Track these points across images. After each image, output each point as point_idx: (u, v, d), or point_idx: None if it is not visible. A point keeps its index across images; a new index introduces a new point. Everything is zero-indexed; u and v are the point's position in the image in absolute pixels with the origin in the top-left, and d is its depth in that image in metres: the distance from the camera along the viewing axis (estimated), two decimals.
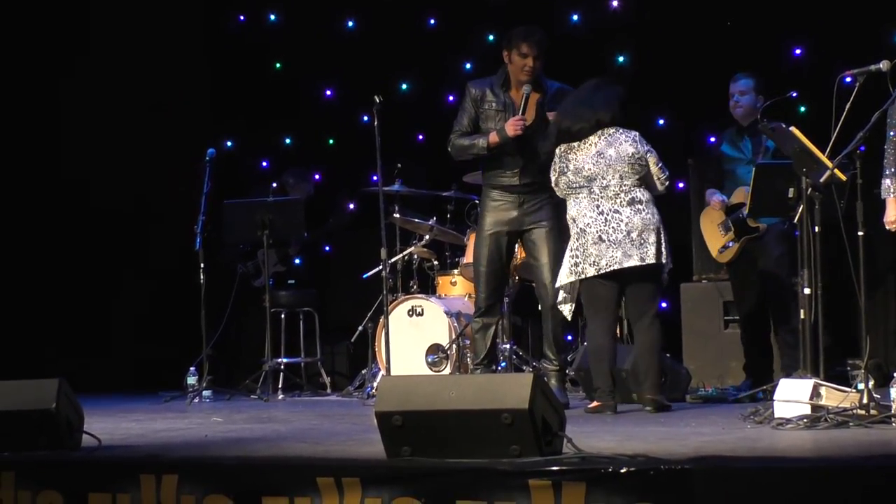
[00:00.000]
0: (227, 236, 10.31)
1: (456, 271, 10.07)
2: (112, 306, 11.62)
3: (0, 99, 11.30)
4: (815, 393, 6.46)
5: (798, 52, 10.26)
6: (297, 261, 11.40)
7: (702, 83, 9.63)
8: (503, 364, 9.40)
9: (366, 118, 10.47)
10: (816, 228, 6.99)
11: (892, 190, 7.12)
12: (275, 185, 11.15)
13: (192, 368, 9.98)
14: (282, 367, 10.53)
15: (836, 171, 6.84)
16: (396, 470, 5.08)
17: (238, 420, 7.94)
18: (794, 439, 5.98)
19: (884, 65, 6.76)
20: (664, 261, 7.64)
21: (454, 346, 9.49)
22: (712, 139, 9.28)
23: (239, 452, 5.88)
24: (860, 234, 6.68)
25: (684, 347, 9.68)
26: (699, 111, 9.85)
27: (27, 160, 11.43)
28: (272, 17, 12.03)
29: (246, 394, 10.07)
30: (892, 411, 6.37)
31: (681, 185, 9.93)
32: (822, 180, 6.88)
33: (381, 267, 8.86)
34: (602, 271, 7.64)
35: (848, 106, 6.66)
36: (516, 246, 8.67)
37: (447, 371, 9.47)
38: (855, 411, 6.33)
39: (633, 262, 7.59)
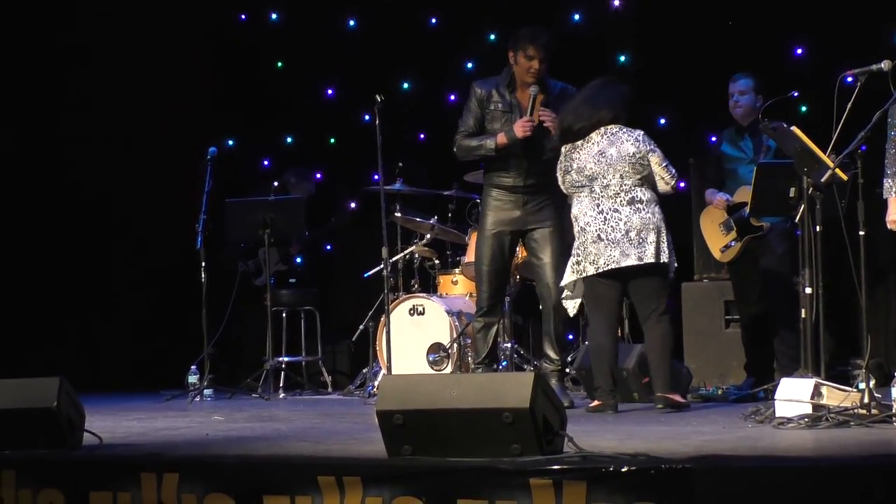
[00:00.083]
0: (228, 235, 10.31)
1: (457, 270, 10.08)
2: (113, 305, 11.63)
3: (2, 97, 11.31)
4: (817, 392, 6.46)
5: (799, 51, 10.26)
6: (298, 259, 11.41)
7: (703, 83, 9.63)
8: (504, 363, 9.41)
9: (367, 117, 10.47)
10: (818, 228, 6.99)
11: (893, 190, 7.11)
12: (276, 183, 11.15)
13: (193, 367, 9.99)
14: (283, 365, 10.54)
15: (837, 170, 6.85)
16: (397, 469, 5.08)
17: (239, 419, 7.94)
18: (795, 439, 5.98)
19: (885, 64, 6.76)
20: (663, 260, 7.61)
21: (455, 345, 9.49)
22: (713, 139, 9.28)
23: (240, 451, 5.88)
24: (861, 233, 6.69)
25: (685, 347, 9.68)
26: (701, 111, 9.85)
27: (28, 160, 11.44)
28: (273, 16, 12.03)
29: (247, 392, 10.08)
30: (893, 411, 6.37)
31: (682, 184, 9.91)
32: (823, 180, 6.88)
33: (382, 266, 8.86)
34: (601, 270, 7.64)
35: (849, 106, 6.66)
36: (518, 245, 8.68)
37: (448, 370, 9.47)
38: (856, 411, 6.33)
39: (631, 261, 7.59)
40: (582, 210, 7.72)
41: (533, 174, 8.24)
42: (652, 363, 7.77)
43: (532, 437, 4.99)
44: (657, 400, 7.68)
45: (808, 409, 6.39)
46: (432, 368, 9.54)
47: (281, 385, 10.37)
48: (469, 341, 9.19)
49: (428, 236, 10.16)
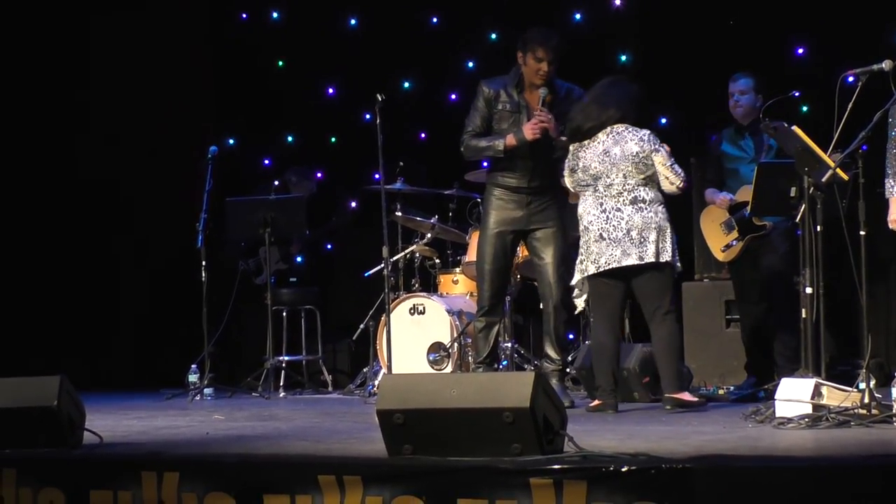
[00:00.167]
0: (229, 234, 10.32)
1: (458, 269, 10.07)
2: (114, 303, 11.63)
3: (5, 96, 11.31)
4: (817, 392, 6.46)
5: (800, 51, 10.26)
6: (298, 259, 11.41)
7: (705, 82, 9.62)
8: (505, 363, 9.40)
9: (368, 116, 10.46)
10: (818, 227, 6.99)
11: (894, 189, 7.12)
12: (277, 183, 11.15)
13: (193, 366, 9.98)
14: (283, 364, 10.54)
15: (838, 170, 6.85)
16: (398, 468, 5.08)
17: (239, 418, 7.94)
18: (795, 438, 5.98)
19: (886, 64, 6.76)
20: (664, 260, 7.59)
21: (456, 344, 9.48)
22: (713, 139, 9.28)
23: (240, 450, 5.88)
24: (862, 233, 6.69)
25: (686, 346, 9.65)
26: (702, 110, 9.85)
27: (29, 159, 11.44)
28: (274, 15, 12.03)
29: (247, 391, 10.08)
30: (894, 411, 6.37)
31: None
32: (824, 180, 6.88)
33: (382, 265, 8.86)
34: (601, 269, 7.65)
35: (850, 105, 6.66)
36: (519, 245, 8.68)
37: (449, 369, 9.46)
38: (856, 411, 6.33)
39: (632, 260, 7.58)
40: (586, 209, 7.73)
41: (538, 176, 8.24)
42: (658, 363, 7.76)
43: (532, 437, 4.99)
44: (665, 401, 7.66)
45: (809, 409, 6.39)
46: (433, 368, 9.53)
47: (281, 384, 10.37)
48: (469, 341, 9.19)
49: (428, 235, 10.16)
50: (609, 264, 7.62)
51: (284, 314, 10.88)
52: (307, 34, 11.74)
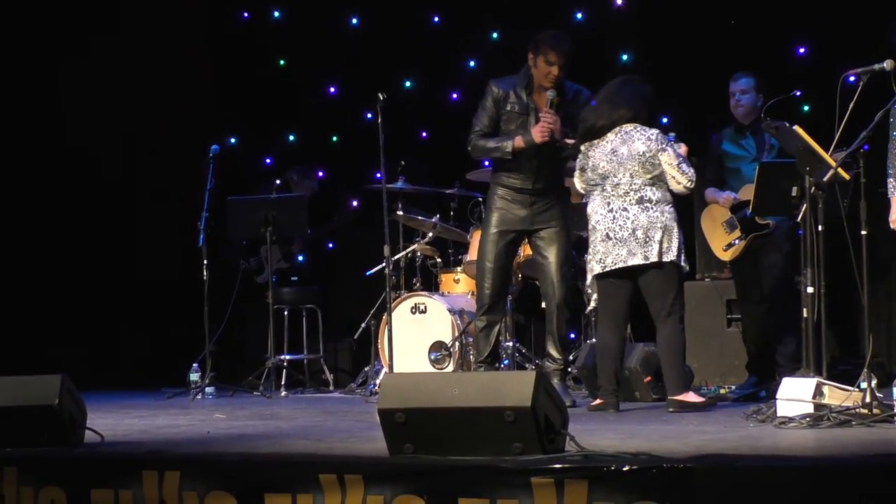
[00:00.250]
0: (230, 233, 10.32)
1: (459, 269, 10.07)
2: (115, 302, 11.63)
3: (4, 96, 11.31)
4: (818, 392, 6.46)
5: (802, 50, 10.25)
6: (300, 258, 11.41)
7: (706, 82, 9.62)
8: (506, 361, 9.40)
9: (369, 115, 10.46)
10: (820, 227, 6.99)
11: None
12: (278, 181, 11.15)
13: (194, 365, 9.98)
14: (285, 363, 10.54)
15: (839, 169, 6.85)
16: (399, 467, 5.08)
17: (241, 417, 7.95)
18: (796, 438, 5.98)
19: (887, 64, 6.76)
20: (668, 260, 7.58)
21: (457, 343, 9.49)
22: (713, 138, 9.28)
23: (242, 449, 5.88)
24: (863, 232, 6.69)
25: (687, 346, 9.65)
26: (704, 110, 9.85)
27: (30, 158, 11.44)
28: (276, 13, 12.03)
29: (249, 390, 10.09)
30: (895, 410, 6.37)
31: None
32: (825, 179, 6.88)
33: (384, 264, 8.87)
34: (607, 269, 7.65)
35: (851, 105, 6.66)
36: (521, 244, 8.69)
37: (450, 368, 9.47)
38: (858, 410, 6.33)
39: (637, 260, 7.58)
40: (594, 208, 7.74)
41: (542, 178, 8.24)
42: (661, 364, 7.76)
43: (534, 436, 4.99)
44: (668, 403, 7.65)
45: (810, 409, 6.39)
46: (434, 367, 9.54)
47: (283, 383, 10.38)
48: (471, 340, 9.19)
49: (430, 235, 10.16)
50: (615, 264, 7.62)
51: (286, 313, 10.88)
52: (308, 33, 11.75)
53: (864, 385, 6.46)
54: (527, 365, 9.65)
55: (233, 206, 10.13)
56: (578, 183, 7.91)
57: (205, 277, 9.80)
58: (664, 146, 7.63)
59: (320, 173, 11.62)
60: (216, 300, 9.96)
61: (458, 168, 9.86)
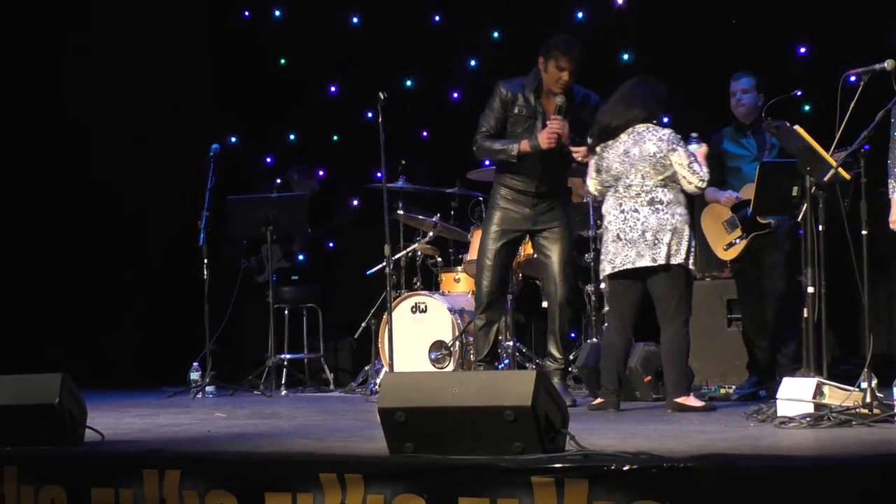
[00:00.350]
0: (230, 232, 10.32)
1: (459, 268, 10.07)
2: (115, 301, 11.63)
3: (3, 94, 11.32)
4: (818, 392, 6.46)
5: (803, 50, 10.26)
6: (300, 257, 11.41)
7: (707, 81, 9.62)
8: (507, 361, 9.40)
9: (370, 114, 10.46)
10: (820, 227, 6.99)
11: None
12: (279, 181, 11.15)
13: (195, 364, 9.99)
14: (285, 363, 10.54)
15: (840, 169, 6.84)
16: (399, 466, 5.08)
17: (241, 416, 7.95)
18: (796, 438, 5.98)
19: (888, 63, 6.76)
20: (676, 262, 7.55)
21: (457, 342, 9.49)
22: (713, 137, 9.28)
23: (242, 448, 5.88)
24: (864, 232, 6.69)
25: None
26: (704, 109, 9.85)
27: (31, 157, 11.44)
28: (277, 12, 12.04)
29: (249, 389, 10.10)
30: (895, 410, 6.36)
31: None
32: (826, 179, 6.88)
33: (384, 263, 8.87)
34: (616, 269, 7.65)
35: (852, 105, 6.65)
36: (522, 244, 8.69)
37: (450, 368, 9.47)
38: (858, 410, 6.32)
39: (645, 262, 7.57)
40: (607, 209, 7.74)
41: (546, 181, 8.23)
42: (663, 365, 7.76)
43: (534, 436, 4.99)
44: (667, 405, 7.65)
45: (810, 409, 6.39)
46: (434, 366, 9.54)
47: (283, 382, 10.38)
48: (471, 339, 9.19)
49: (430, 234, 10.16)
50: (624, 265, 7.62)
51: (286, 312, 10.88)
52: (309, 32, 11.75)
53: (864, 385, 6.46)
54: (527, 364, 9.65)
55: (233, 205, 10.13)
56: (593, 184, 7.87)
57: (205, 276, 9.80)
58: (675, 146, 7.60)
59: (321, 172, 11.62)
60: (217, 299, 9.96)
61: (459, 167, 9.86)
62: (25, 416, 5.89)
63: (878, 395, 6.45)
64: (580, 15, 10.99)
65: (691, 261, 7.65)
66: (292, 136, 12.10)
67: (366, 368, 10.11)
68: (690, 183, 7.61)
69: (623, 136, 7.68)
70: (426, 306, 9.67)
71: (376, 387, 9.40)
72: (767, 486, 4.61)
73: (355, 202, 11.55)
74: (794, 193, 7.33)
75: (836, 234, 6.99)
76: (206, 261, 9.80)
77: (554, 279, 8.25)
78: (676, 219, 7.58)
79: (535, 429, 4.98)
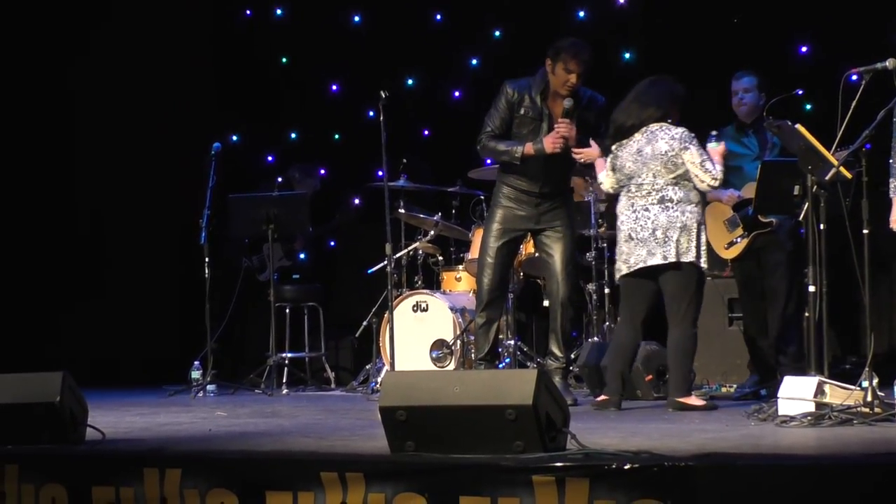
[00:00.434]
0: (232, 231, 10.31)
1: (461, 267, 10.08)
2: (117, 300, 11.63)
3: (5, 93, 11.32)
4: (819, 390, 6.45)
5: (804, 49, 10.26)
6: (301, 255, 11.41)
7: (708, 80, 9.62)
8: (507, 360, 9.40)
9: (371, 113, 10.47)
10: (821, 226, 6.98)
11: None
12: (280, 179, 11.14)
13: (196, 362, 9.98)
14: (286, 361, 10.54)
15: (841, 168, 6.84)
16: (400, 465, 5.08)
17: (242, 414, 7.94)
18: (797, 437, 5.97)
19: (890, 63, 6.76)
20: (685, 260, 7.54)
21: (458, 341, 9.49)
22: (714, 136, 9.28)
23: (243, 447, 5.88)
24: (865, 231, 6.69)
25: None
26: (705, 109, 9.84)
27: (31, 155, 11.45)
28: (278, 11, 12.05)
29: (250, 388, 10.10)
30: None
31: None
32: (827, 178, 6.87)
33: (385, 262, 8.87)
34: (632, 269, 7.65)
35: (854, 104, 6.65)
36: (524, 243, 8.69)
37: (451, 366, 9.47)
38: (859, 409, 6.32)
39: (656, 260, 7.57)
40: (620, 209, 7.75)
41: (550, 182, 8.24)
42: (668, 363, 7.76)
43: (535, 435, 4.99)
44: (668, 403, 7.66)
45: (811, 408, 6.39)
46: (435, 365, 9.54)
47: (284, 381, 10.38)
48: (472, 338, 9.19)
49: (432, 233, 10.16)
50: (637, 264, 7.62)
51: (287, 311, 10.88)
52: (311, 31, 11.76)
53: (865, 384, 6.46)
54: (528, 363, 9.65)
55: (234, 203, 10.12)
56: (608, 181, 7.86)
57: (206, 275, 9.80)
58: (687, 144, 7.59)
59: (322, 171, 11.62)
60: (218, 298, 9.96)
61: (460, 166, 9.87)
62: (26, 414, 5.89)
63: (880, 393, 6.45)
64: (582, 14, 10.99)
65: (703, 259, 7.64)
66: (293, 135, 12.10)
67: (367, 367, 10.12)
68: (703, 181, 7.61)
69: (637, 135, 7.68)
70: (427, 305, 9.67)
71: (377, 385, 9.40)
72: (768, 485, 4.60)
73: (356, 201, 11.55)
74: (796, 192, 7.32)
75: (837, 233, 6.98)
76: (207, 259, 9.80)
77: (556, 278, 8.25)
78: (686, 216, 7.57)
79: (536, 428, 4.98)
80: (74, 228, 11.48)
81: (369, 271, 10.24)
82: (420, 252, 10.29)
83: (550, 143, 8.05)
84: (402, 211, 10.06)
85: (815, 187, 7.01)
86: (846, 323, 9.27)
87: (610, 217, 9.85)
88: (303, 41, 11.81)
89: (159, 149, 11.50)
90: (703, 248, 7.64)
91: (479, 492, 4.86)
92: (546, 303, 8.85)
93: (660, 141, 7.61)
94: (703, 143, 7.73)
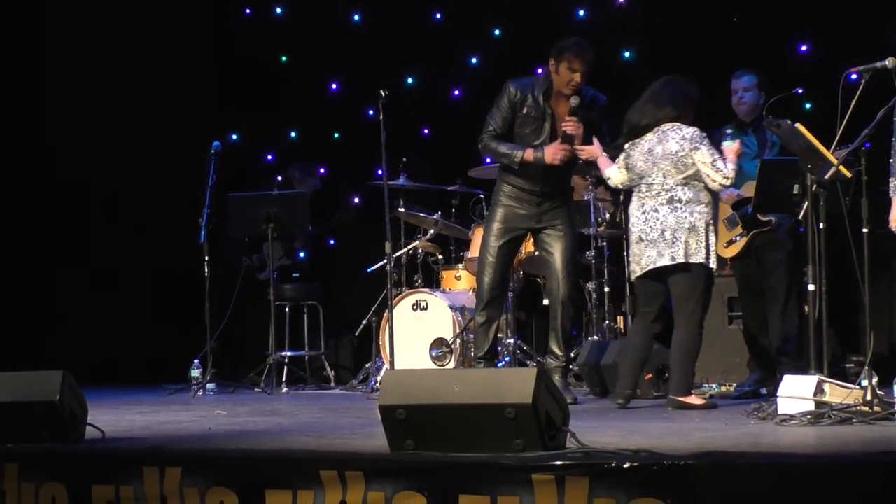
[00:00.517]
0: (231, 229, 10.31)
1: (460, 265, 10.08)
2: (116, 299, 11.63)
3: (8, 93, 11.33)
4: (819, 389, 6.46)
5: (804, 48, 10.26)
6: (301, 254, 11.41)
7: (708, 80, 9.61)
8: (507, 359, 9.41)
9: (371, 112, 10.47)
10: (821, 225, 6.99)
11: None
12: (280, 178, 11.14)
13: (196, 361, 9.97)
14: (286, 360, 10.54)
15: (841, 167, 6.84)
16: (400, 464, 5.08)
17: (242, 413, 7.94)
18: (797, 436, 5.98)
19: (889, 62, 6.75)
20: (693, 261, 7.52)
21: (458, 340, 9.49)
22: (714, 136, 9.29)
23: (242, 445, 5.88)
24: (864, 230, 6.69)
25: None
26: (705, 108, 9.83)
27: (32, 155, 11.44)
28: (278, 10, 12.05)
29: (250, 387, 10.09)
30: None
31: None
32: (827, 177, 6.88)
33: (385, 261, 8.87)
34: (644, 270, 7.65)
35: (853, 103, 6.65)
36: (524, 242, 8.69)
37: (451, 365, 9.47)
38: (858, 408, 6.33)
39: (665, 261, 7.56)
40: (631, 210, 7.76)
41: (550, 183, 8.23)
42: (670, 362, 7.76)
43: (535, 433, 4.99)
44: (667, 402, 7.66)
45: (811, 406, 6.39)
46: (435, 363, 9.54)
47: (284, 380, 10.38)
48: (472, 336, 9.19)
49: (431, 231, 10.16)
50: (648, 266, 7.63)
51: (287, 310, 10.88)
52: (311, 30, 11.76)
53: (865, 383, 6.46)
54: (528, 362, 9.65)
55: (234, 202, 10.12)
56: (618, 177, 7.84)
57: (206, 274, 9.79)
58: (698, 144, 7.58)
59: (322, 170, 11.63)
60: (217, 297, 9.96)
61: (460, 165, 9.87)
62: (26, 413, 5.89)
63: (879, 392, 6.45)
64: (581, 13, 10.99)
65: (712, 259, 7.64)
66: (293, 134, 12.10)
67: (367, 366, 10.12)
68: (714, 181, 7.60)
69: (649, 135, 7.68)
70: (427, 304, 9.67)
71: (377, 384, 9.40)
72: (768, 483, 4.61)
73: (356, 200, 11.55)
74: (795, 191, 7.32)
75: (837, 232, 6.99)
76: (207, 258, 9.80)
77: (556, 276, 8.24)
78: (695, 217, 7.56)
79: (535, 426, 4.98)
80: (74, 227, 11.47)
81: (369, 270, 10.24)
82: (420, 251, 10.29)
83: (551, 155, 8.04)
84: (401, 210, 10.06)
85: (814, 186, 7.01)
86: (846, 322, 9.27)
87: (614, 220, 9.87)
88: (302, 40, 11.81)
89: (159, 148, 11.50)
90: (713, 248, 7.64)
91: (478, 490, 4.87)
92: (546, 301, 8.85)
93: (671, 141, 7.61)
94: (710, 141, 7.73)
